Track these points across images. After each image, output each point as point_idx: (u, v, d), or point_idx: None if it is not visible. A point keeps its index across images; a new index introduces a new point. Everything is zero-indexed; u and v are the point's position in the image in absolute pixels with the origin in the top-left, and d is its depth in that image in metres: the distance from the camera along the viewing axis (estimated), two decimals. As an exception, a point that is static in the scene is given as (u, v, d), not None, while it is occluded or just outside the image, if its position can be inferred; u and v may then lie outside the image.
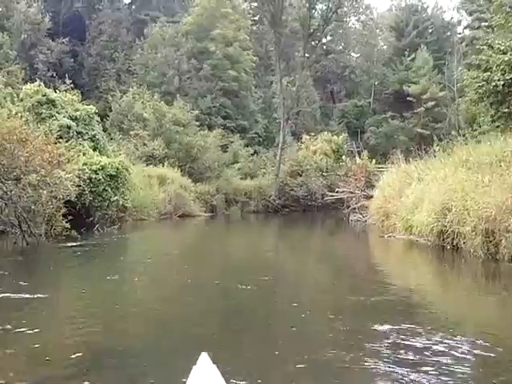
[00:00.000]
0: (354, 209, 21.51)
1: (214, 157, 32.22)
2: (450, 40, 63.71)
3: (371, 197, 19.77)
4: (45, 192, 11.90)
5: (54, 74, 36.89)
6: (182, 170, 28.45)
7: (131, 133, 29.76)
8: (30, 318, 6.61)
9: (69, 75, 26.99)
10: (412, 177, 14.53)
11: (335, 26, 47.66)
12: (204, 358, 2.70)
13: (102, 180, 18.37)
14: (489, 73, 15.55)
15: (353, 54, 65.09)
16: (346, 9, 34.48)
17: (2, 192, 11.41)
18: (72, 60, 43.93)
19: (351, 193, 21.91)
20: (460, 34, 64.17)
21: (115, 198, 18.81)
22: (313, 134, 39.06)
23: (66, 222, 13.60)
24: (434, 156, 16.01)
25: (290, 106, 34.60)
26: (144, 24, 47.58)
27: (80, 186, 15.96)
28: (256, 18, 56.41)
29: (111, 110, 34.05)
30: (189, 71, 43.16)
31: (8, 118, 12.63)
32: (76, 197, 15.78)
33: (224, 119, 42.07)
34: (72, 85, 24.24)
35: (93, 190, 18.08)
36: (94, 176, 18.06)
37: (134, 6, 53.85)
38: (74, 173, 14.34)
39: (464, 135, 33.70)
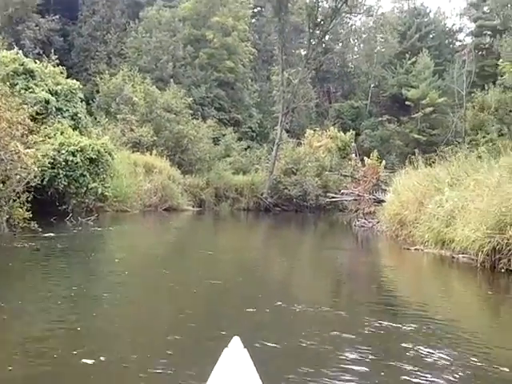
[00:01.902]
0: (362, 213, 19.61)
1: (206, 148, 30.37)
2: (450, 46, 62.84)
3: (381, 201, 17.92)
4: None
5: (41, 52, 34.41)
6: (170, 160, 26.62)
7: (118, 117, 27.71)
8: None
9: (57, 54, 24.74)
10: (441, 182, 12.51)
11: (337, 24, 45.80)
12: (236, 342, 2.61)
13: (80, 163, 16.04)
14: None
15: (352, 54, 63.53)
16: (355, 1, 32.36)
17: None
18: (61, 39, 41.65)
19: (358, 195, 20.04)
20: (461, 41, 63.74)
21: (94, 184, 16.58)
22: (317, 128, 37.35)
23: (29, 209, 11.15)
24: (453, 159, 14.10)
25: (289, 101, 32.66)
26: (139, 7, 45.39)
27: (54, 168, 13.82)
28: (256, 10, 54.64)
29: (98, 93, 31.91)
30: (184, 58, 41.06)
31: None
32: (48, 180, 13.66)
33: (217, 111, 40.43)
34: (58, 61, 22.03)
35: (68, 174, 15.76)
36: (70, 158, 15.73)
37: (129, -13, 51.41)
38: (45, 151, 12.06)
39: (470, 142, 32.45)
